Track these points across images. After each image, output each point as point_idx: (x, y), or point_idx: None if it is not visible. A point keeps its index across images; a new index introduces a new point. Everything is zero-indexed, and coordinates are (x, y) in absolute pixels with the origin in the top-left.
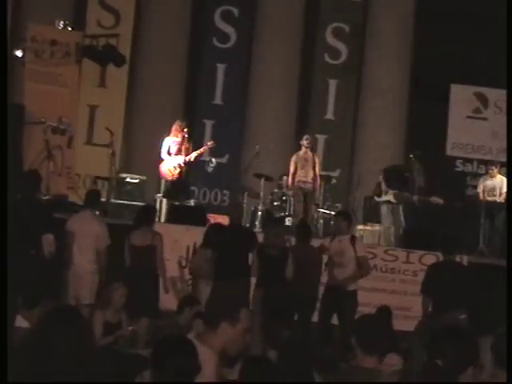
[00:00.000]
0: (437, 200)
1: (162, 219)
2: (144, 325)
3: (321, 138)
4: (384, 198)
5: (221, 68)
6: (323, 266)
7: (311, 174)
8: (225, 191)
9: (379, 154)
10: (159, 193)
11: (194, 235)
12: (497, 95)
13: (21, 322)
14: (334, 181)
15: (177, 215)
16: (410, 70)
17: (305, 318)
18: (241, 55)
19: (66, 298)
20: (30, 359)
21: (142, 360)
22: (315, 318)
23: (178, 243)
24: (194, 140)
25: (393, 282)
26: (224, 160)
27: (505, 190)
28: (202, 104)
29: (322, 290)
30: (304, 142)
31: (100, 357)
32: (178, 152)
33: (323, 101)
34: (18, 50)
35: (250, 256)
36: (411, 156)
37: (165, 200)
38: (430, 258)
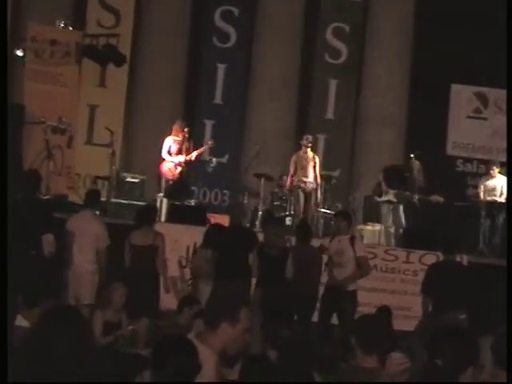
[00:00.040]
0: (437, 198)
1: (163, 219)
2: (144, 325)
3: (321, 137)
4: (384, 197)
5: (221, 68)
6: (323, 266)
7: (311, 174)
8: (225, 191)
9: (379, 153)
10: (159, 192)
11: (194, 235)
12: (497, 95)
13: (21, 321)
14: (334, 180)
15: (177, 215)
16: (410, 69)
17: (305, 318)
18: (241, 55)
19: (66, 297)
20: (29, 359)
21: (142, 360)
22: (315, 317)
23: (178, 243)
24: (194, 140)
25: (393, 281)
26: (224, 160)
27: (505, 189)
28: (202, 104)
29: (321, 289)
30: (305, 142)
31: (100, 356)
32: (179, 152)
33: (323, 100)
34: (18, 49)
35: (251, 256)
36: (412, 156)
37: (165, 200)
38: (430, 258)
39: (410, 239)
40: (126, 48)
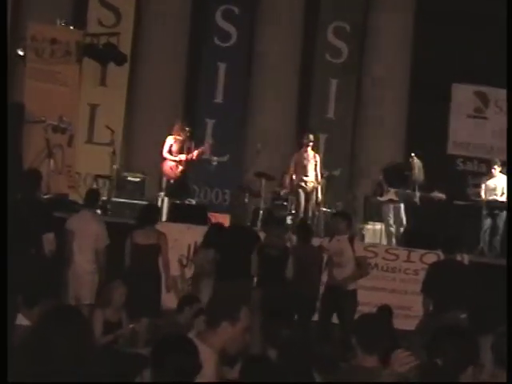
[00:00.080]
0: (438, 195)
1: (163, 218)
2: (144, 324)
3: (321, 136)
4: (386, 197)
5: (222, 67)
6: (323, 266)
7: (312, 173)
8: (226, 190)
9: (380, 152)
10: (160, 191)
11: (195, 234)
12: (497, 94)
13: (21, 320)
14: (334, 179)
15: (178, 214)
16: (411, 69)
17: (305, 318)
18: (242, 54)
19: (66, 297)
20: (29, 358)
21: (142, 359)
22: (315, 317)
23: (179, 242)
24: (195, 139)
25: (393, 281)
26: (225, 159)
27: (506, 189)
28: (202, 103)
29: (322, 289)
30: (305, 141)
31: (100, 356)
32: (180, 151)
33: (324, 100)
34: (18, 48)
35: (252, 256)
36: (412, 154)
37: (166, 199)
38: (431, 257)
39: (410, 238)
40: (126, 47)
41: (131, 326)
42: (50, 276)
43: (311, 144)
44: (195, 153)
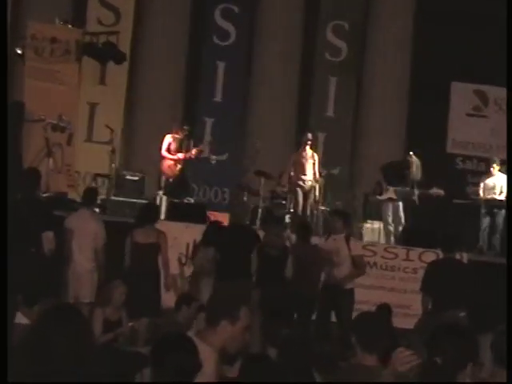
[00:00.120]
0: (437, 191)
1: (162, 216)
2: (144, 323)
3: (321, 135)
4: (385, 195)
5: (221, 66)
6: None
7: (311, 172)
8: (225, 189)
9: (379, 151)
10: (159, 190)
11: (194, 233)
12: (497, 93)
13: (21, 319)
14: (334, 178)
15: (176, 212)
16: (410, 67)
17: (305, 317)
18: (241, 53)
19: (65, 296)
20: (29, 358)
21: (142, 358)
22: (315, 316)
23: (178, 240)
24: (194, 137)
25: (392, 279)
26: (224, 157)
27: (505, 187)
28: (202, 101)
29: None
30: (305, 140)
31: (99, 354)
32: (179, 150)
33: (323, 98)
34: (17, 47)
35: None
36: (411, 153)
37: (165, 197)
38: (430, 256)
39: (409, 237)
40: (125, 46)
41: (130, 324)
42: (49, 275)
43: (310, 143)
44: (193, 151)
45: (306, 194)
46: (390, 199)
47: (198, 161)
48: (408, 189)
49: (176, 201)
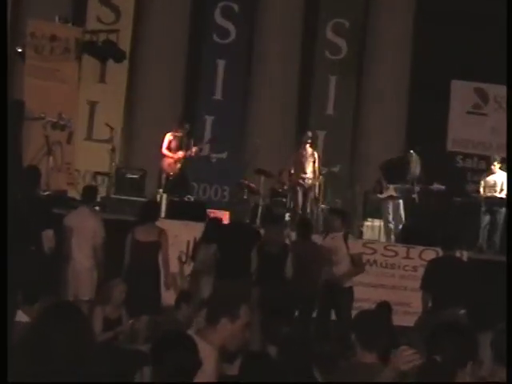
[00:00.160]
0: (438, 187)
1: (162, 214)
2: (144, 321)
3: (321, 133)
4: (385, 194)
5: (221, 64)
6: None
7: (311, 170)
8: (225, 187)
9: (379, 149)
10: (159, 188)
11: (194, 231)
12: (497, 91)
13: (21, 317)
14: (334, 176)
15: (176, 211)
16: (411, 65)
17: (305, 315)
18: (241, 51)
19: (65, 293)
20: (29, 356)
21: (142, 356)
22: (315, 314)
23: (178, 238)
24: (194, 136)
25: (392, 277)
26: (224, 156)
27: (505, 185)
28: (202, 100)
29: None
30: (305, 138)
31: (99, 353)
32: (179, 148)
33: (323, 97)
34: (17, 45)
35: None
36: (411, 151)
37: (165, 195)
38: (430, 254)
39: (409, 235)
40: (125, 44)
41: (130, 321)
42: (49, 273)
43: (310, 141)
44: (194, 150)
45: (306, 193)
46: (391, 197)
47: (198, 159)
48: (408, 186)
49: (176, 199)
